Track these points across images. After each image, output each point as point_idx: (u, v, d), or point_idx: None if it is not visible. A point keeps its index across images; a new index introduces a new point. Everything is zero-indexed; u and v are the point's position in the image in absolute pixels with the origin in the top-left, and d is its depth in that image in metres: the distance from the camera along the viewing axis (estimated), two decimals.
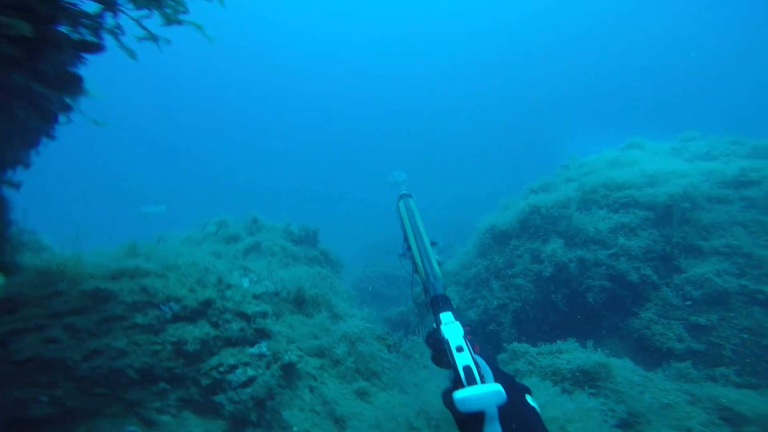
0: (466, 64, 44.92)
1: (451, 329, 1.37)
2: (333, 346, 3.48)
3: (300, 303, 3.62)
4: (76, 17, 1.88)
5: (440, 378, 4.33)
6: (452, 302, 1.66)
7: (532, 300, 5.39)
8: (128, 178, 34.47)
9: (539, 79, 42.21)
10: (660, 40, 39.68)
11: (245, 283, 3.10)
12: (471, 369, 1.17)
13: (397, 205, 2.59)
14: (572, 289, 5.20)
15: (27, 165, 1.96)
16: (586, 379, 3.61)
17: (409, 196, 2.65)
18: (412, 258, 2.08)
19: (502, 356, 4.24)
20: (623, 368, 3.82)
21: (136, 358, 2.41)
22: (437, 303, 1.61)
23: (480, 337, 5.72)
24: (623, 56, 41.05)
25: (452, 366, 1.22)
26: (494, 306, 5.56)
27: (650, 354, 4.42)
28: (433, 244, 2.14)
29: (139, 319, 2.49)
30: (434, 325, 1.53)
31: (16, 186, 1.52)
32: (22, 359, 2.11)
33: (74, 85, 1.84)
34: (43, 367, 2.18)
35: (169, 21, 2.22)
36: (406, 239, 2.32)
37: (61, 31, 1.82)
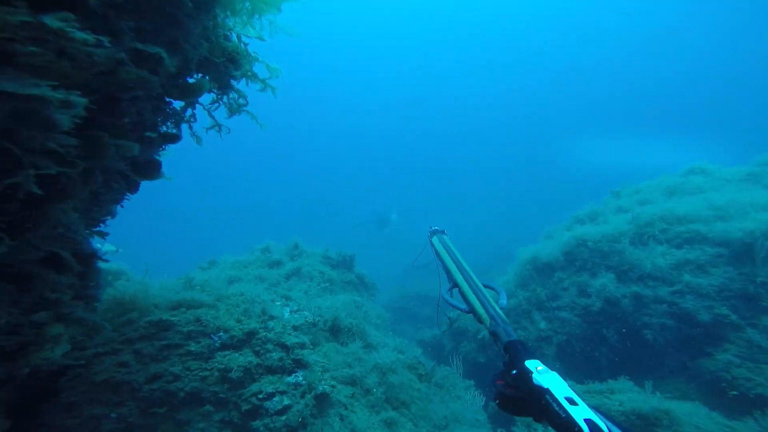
0: (491, 84, 44.42)
1: (550, 378, 1.20)
2: (365, 375, 3.55)
3: (336, 332, 3.76)
4: (168, 115, 2.27)
5: (473, 412, 4.18)
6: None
7: (578, 334, 5.06)
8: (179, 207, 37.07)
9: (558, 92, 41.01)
10: (671, 41, 36.84)
11: (286, 313, 3.31)
12: (596, 424, 1.00)
13: (430, 241, 2.41)
14: (626, 325, 4.81)
15: (113, 215, 2.36)
16: (643, 425, 3.32)
17: (443, 232, 2.43)
18: (466, 300, 1.84)
19: None
20: (694, 414, 3.42)
21: (188, 382, 2.69)
22: (516, 348, 1.44)
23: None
24: (632, 60, 38.78)
25: (563, 421, 1.06)
26: (536, 338, 5.29)
27: (729, 399, 3.97)
28: (486, 286, 1.90)
29: (193, 346, 2.78)
30: (509, 370, 1.37)
31: (107, 261, 1.87)
32: (99, 380, 2.46)
33: (156, 170, 2.21)
34: (114, 388, 2.52)
35: (232, 112, 2.55)
36: (450, 276, 2.06)
37: (160, 132, 2.21)
